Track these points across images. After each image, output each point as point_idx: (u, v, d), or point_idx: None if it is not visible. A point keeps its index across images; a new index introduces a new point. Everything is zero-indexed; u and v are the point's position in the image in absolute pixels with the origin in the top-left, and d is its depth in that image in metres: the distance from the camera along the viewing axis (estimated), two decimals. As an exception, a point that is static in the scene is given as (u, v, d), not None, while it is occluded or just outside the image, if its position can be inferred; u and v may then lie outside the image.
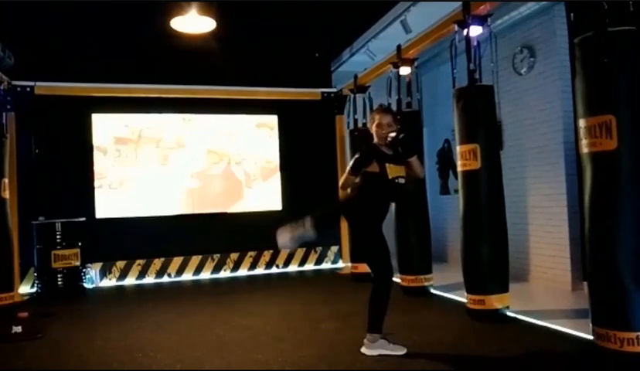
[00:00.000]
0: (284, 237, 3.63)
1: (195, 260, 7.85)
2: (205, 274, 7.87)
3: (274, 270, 8.20)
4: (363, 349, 3.69)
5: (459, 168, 4.77)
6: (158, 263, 7.68)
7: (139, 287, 7.27)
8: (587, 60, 3.39)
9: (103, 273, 7.43)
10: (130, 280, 7.52)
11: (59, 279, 6.75)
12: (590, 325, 3.47)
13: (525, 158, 6.39)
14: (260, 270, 8.13)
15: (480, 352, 3.73)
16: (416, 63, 6.40)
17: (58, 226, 6.78)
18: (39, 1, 5.75)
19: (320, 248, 8.43)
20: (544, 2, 5.75)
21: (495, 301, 4.53)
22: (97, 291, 7.08)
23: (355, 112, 7.65)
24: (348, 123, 7.88)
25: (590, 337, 3.52)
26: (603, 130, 3.26)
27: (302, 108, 8.31)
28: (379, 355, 3.63)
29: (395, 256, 5.90)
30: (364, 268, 5.08)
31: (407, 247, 5.94)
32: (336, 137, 8.38)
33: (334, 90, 8.51)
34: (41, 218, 6.80)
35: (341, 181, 3.85)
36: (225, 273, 7.96)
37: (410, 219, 5.92)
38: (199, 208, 7.89)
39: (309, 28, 7.12)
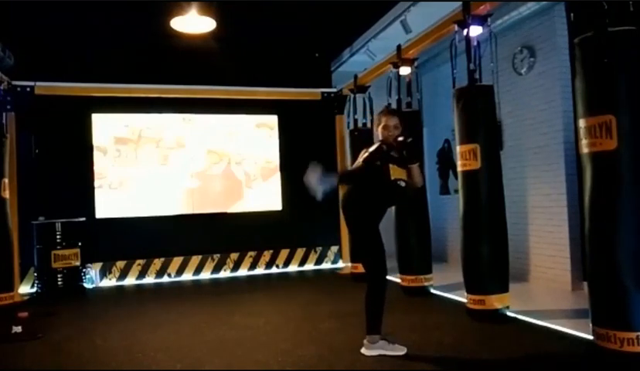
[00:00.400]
0: (313, 178, 3.66)
1: (195, 260, 7.85)
2: (206, 274, 7.87)
3: (274, 270, 8.19)
4: (363, 350, 3.69)
5: (459, 168, 4.77)
6: (158, 263, 7.68)
7: (139, 287, 7.27)
8: (587, 60, 3.39)
9: (103, 273, 7.42)
10: (130, 280, 7.52)
11: (59, 279, 6.76)
12: (590, 325, 3.46)
13: (525, 158, 6.39)
14: (260, 270, 8.13)
15: (480, 352, 3.73)
16: (416, 63, 6.40)
17: (58, 226, 6.79)
18: (39, 1, 5.75)
19: (320, 248, 8.43)
20: (544, 2, 5.75)
21: (495, 301, 4.53)
22: (97, 291, 7.08)
23: (355, 112, 7.66)
24: (348, 123, 7.89)
25: (590, 337, 3.51)
26: (603, 130, 3.26)
27: (302, 108, 8.31)
28: (379, 356, 3.63)
29: (395, 256, 5.92)
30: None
31: (407, 247, 5.93)
32: (336, 138, 8.38)
33: (334, 90, 8.50)
34: (41, 218, 6.80)
35: (349, 169, 3.81)
36: (225, 274, 7.96)
37: (410, 219, 5.92)
38: (199, 208, 7.90)
39: (309, 29, 7.12)
